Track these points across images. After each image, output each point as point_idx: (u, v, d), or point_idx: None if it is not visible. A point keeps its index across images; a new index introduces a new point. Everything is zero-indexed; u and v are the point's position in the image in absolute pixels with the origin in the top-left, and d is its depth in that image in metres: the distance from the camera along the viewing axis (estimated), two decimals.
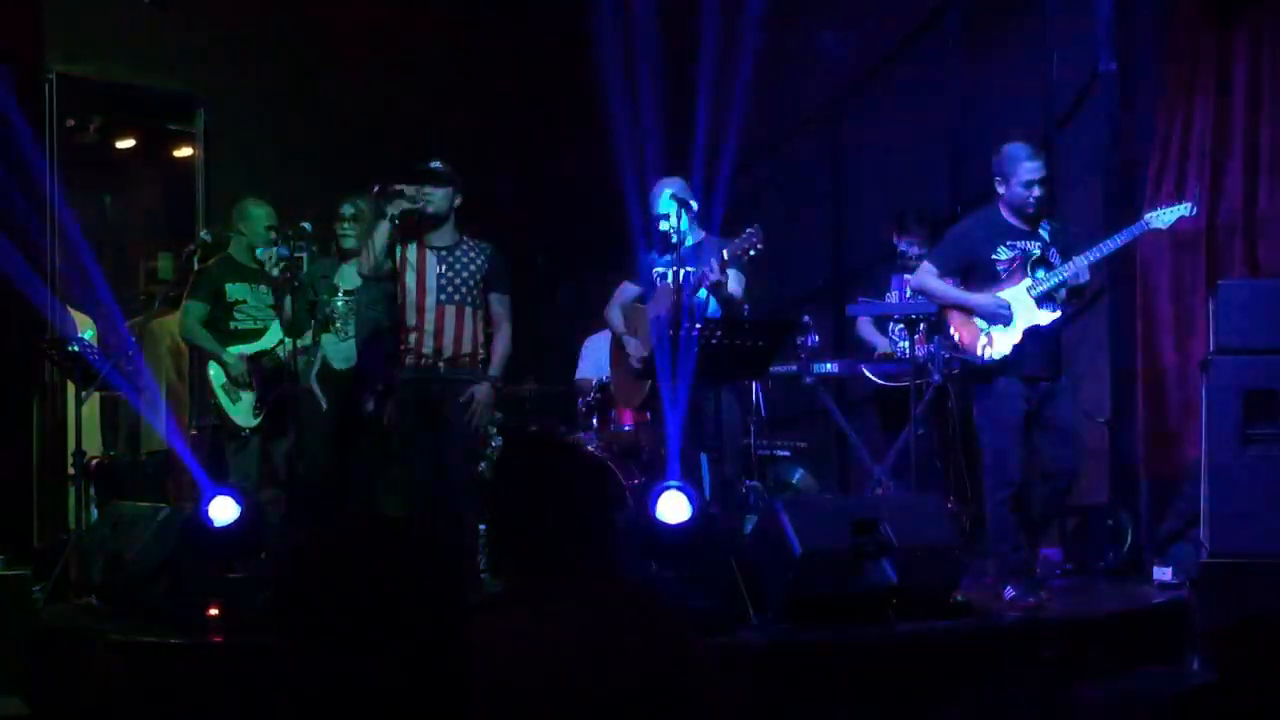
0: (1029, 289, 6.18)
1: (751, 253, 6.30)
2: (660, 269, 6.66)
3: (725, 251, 6.31)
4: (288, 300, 6.93)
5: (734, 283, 6.51)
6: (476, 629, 2.51)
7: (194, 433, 7.80)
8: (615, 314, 7.00)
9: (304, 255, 7.23)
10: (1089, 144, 7.71)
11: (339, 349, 7.15)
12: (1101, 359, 7.51)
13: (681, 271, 6.50)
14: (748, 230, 6.31)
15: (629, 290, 6.91)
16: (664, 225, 6.55)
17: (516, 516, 2.57)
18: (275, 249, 6.98)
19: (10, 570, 6.42)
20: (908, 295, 7.51)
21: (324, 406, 7.15)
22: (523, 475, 2.61)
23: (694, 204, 6.66)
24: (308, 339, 7.00)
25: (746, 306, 6.82)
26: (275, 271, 7.00)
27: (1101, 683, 5.03)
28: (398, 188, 6.26)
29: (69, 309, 8.11)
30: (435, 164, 6.38)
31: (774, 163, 9.76)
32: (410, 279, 6.35)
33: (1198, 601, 6.14)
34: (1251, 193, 7.21)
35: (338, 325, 7.09)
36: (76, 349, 7.18)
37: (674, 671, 2.45)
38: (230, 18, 9.28)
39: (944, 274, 6.38)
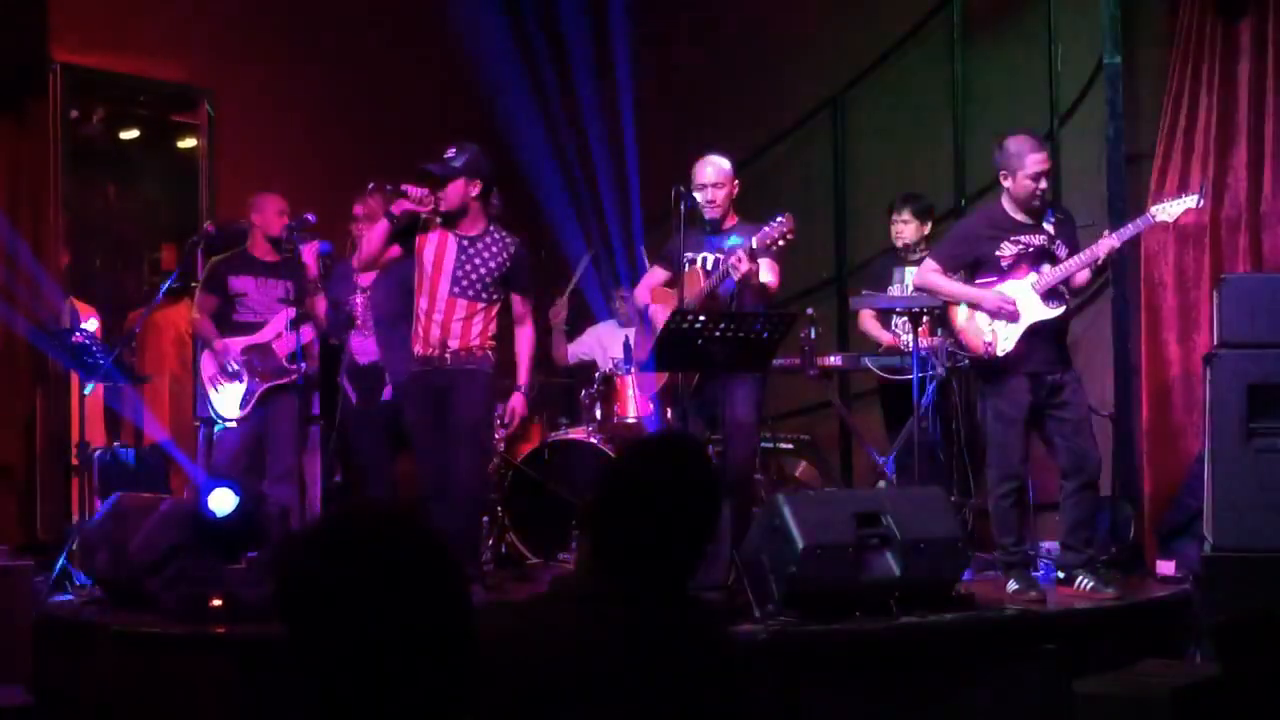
0: (1033, 284, 6.17)
1: (781, 242, 6.17)
2: (690, 253, 6.57)
3: (754, 240, 6.15)
4: (321, 300, 7.05)
5: (766, 272, 6.33)
6: (529, 613, 2.51)
7: (196, 424, 7.82)
8: (644, 293, 6.82)
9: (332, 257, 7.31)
10: (1093, 137, 7.70)
11: (362, 345, 7.21)
12: (1104, 352, 7.50)
13: (711, 258, 6.46)
14: (777, 218, 6.16)
15: (659, 274, 6.79)
16: (699, 198, 6.41)
17: (630, 509, 2.50)
18: (320, 243, 7.03)
19: (14, 561, 6.43)
20: (909, 291, 7.50)
21: (353, 401, 7.20)
22: (645, 469, 2.54)
23: (735, 188, 6.56)
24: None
25: None
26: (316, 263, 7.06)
27: (1103, 676, 5.02)
28: (402, 187, 6.20)
29: (73, 300, 8.12)
30: (450, 151, 6.28)
31: (777, 155, 9.76)
32: (428, 263, 6.30)
33: (1200, 595, 6.14)
34: (1256, 186, 7.20)
35: (359, 322, 7.15)
36: (80, 340, 7.20)
37: (718, 695, 2.41)
38: (235, 8, 9.29)
39: (948, 270, 6.38)
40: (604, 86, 9.61)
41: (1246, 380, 6.17)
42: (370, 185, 6.27)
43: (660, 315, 6.55)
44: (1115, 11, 7.45)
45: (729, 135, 8.86)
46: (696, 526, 2.52)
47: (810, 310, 7.59)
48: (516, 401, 6.52)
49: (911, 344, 7.07)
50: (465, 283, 6.26)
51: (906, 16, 9.23)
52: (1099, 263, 6.18)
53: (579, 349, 8.58)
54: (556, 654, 2.36)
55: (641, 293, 6.86)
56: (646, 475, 2.52)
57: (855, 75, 9.49)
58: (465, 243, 6.28)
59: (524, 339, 6.47)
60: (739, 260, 6.13)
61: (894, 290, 7.69)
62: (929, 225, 7.75)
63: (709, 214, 6.44)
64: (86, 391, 7.28)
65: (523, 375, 6.48)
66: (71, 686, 5.91)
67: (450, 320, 6.24)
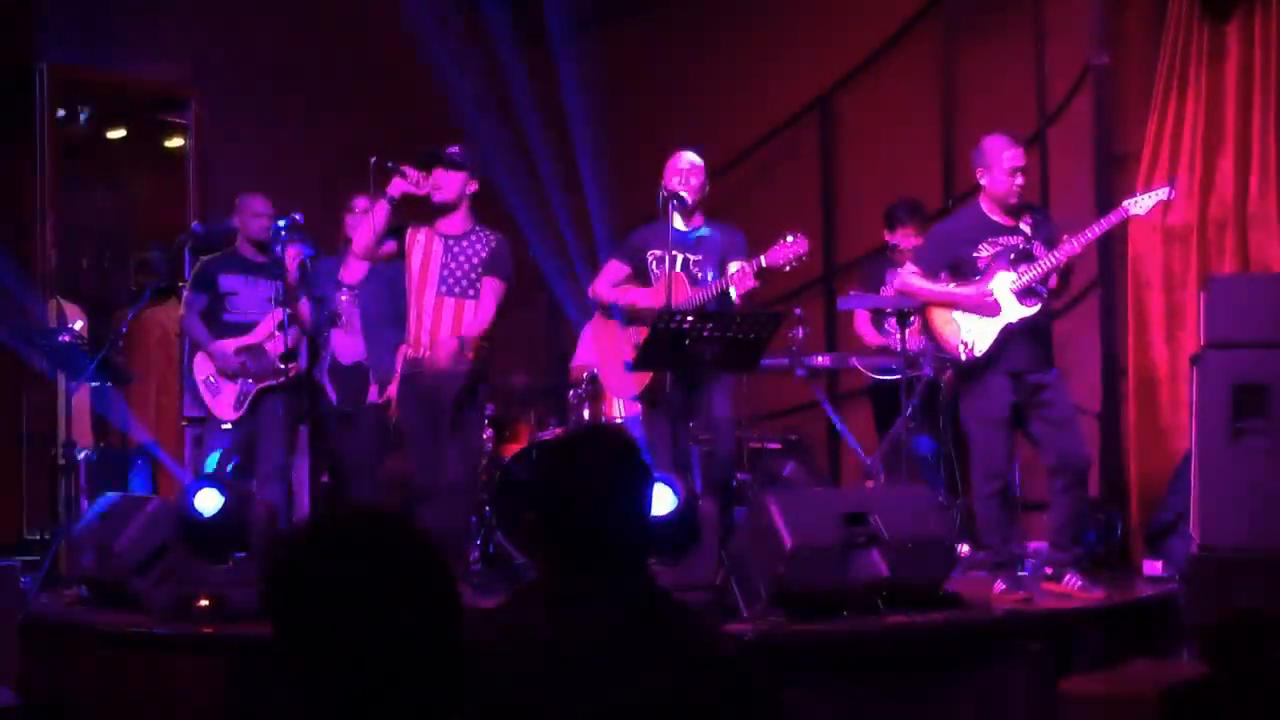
0: (1010, 284, 6.18)
1: (795, 263, 6.14)
2: (657, 252, 6.56)
3: (763, 258, 6.15)
4: (305, 301, 7.04)
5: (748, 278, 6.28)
6: (499, 619, 2.51)
7: (184, 423, 7.81)
8: (608, 289, 6.69)
9: (317, 252, 7.26)
10: (1080, 137, 7.72)
11: (345, 344, 7.19)
12: (1092, 352, 7.52)
13: (681, 257, 6.42)
14: (789, 237, 6.14)
15: (618, 269, 6.71)
16: (675, 181, 6.36)
17: (558, 506, 2.51)
18: (300, 247, 6.99)
19: (0, 561, 6.42)
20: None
21: (334, 401, 7.19)
22: (570, 465, 2.55)
23: (706, 186, 6.51)
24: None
25: None
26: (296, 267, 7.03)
27: (1091, 675, 5.03)
28: (399, 166, 6.21)
29: (60, 300, 8.10)
30: (452, 149, 6.31)
31: (764, 156, 9.77)
32: (416, 266, 6.31)
33: (1187, 595, 6.15)
34: (1242, 187, 7.21)
35: (343, 320, 7.13)
36: (66, 340, 7.19)
37: (704, 689, 2.41)
38: (223, 7, 9.27)
39: (928, 274, 6.38)
40: (589, 89, 9.60)
41: (1233, 380, 6.19)
42: (373, 160, 6.26)
43: (637, 295, 6.49)
44: (1103, 12, 7.47)
45: (716, 136, 8.86)
46: (633, 506, 2.53)
47: (798, 310, 7.60)
48: (446, 343, 6.21)
49: (901, 344, 7.06)
50: (451, 280, 6.28)
51: (894, 16, 9.24)
52: (1069, 263, 6.19)
53: (581, 360, 8.46)
54: (529, 657, 2.36)
55: (601, 288, 6.73)
56: (577, 468, 2.53)
57: (843, 75, 9.50)
58: (450, 242, 6.32)
59: (480, 313, 6.29)
60: (744, 275, 6.13)
61: (888, 291, 7.70)
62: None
63: (686, 199, 6.40)
64: (73, 391, 7.28)
65: (467, 330, 6.25)
66: (58, 687, 5.90)
67: (439, 320, 6.26)
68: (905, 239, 7.64)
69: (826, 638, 5.39)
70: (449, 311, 6.27)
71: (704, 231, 6.50)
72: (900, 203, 7.81)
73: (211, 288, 7.26)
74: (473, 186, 6.35)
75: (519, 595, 2.58)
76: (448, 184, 6.25)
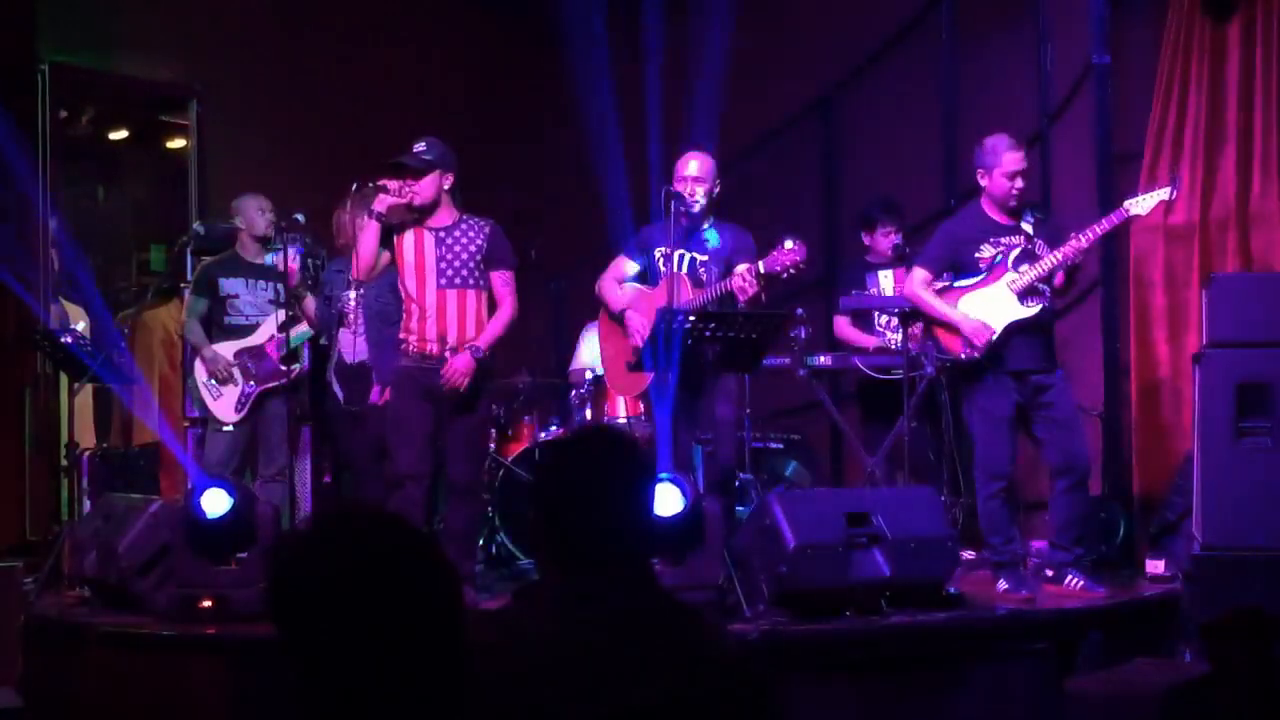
0: (1010, 284, 6.18)
1: (792, 270, 6.14)
2: (663, 249, 6.46)
3: (762, 265, 6.14)
4: (310, 299, 7.03)
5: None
6: (502, 620, 2.51)
7: (186, 424, 7.81)
8: (613, 290, 6.67)
9: (320, 256, 7.26)
10: (1082, 137, 7.72)
11: (352, 344, 7.18)
12: (1094, 352, 7.52)
13: (688, 257, 6.41)
14: (787, 244, 6.11)
15: (627, 265, 6.68)
16: (680, 190, 6.32)
17: (560, 507, 2.51)
18: (297, 251, 6.99)
19: (3, 562, 6.42)
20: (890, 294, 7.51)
21: (341, 400, 7.18)
22: (572, 464, 2.54)
23: (717, 187, 6.47)
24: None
25: None
26: (299, 267, 7.03)
27: (1094, 675, 5.03)
28: (380, 183, 6.19)
29: (61, 301, 8.11)
30: (420, 146, 6.27)
31: (765, 156, 9.76)
32: (409, 263, 6.27)
33: (1190, 594, 6.15)
34: (1244, 186, 7.21)
35: (349, 319, 7.12)
36: (68, 341, 7.19)
37: (706, 689, 2.40)
38: (224, 7, 9.28)
39: (936, 275, 6.38)
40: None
41: (1235, 379, 6.18)
42: (354, 185, 6.27)
43: (634, 320, 6.49)
44: (1104, 12, 7.47)
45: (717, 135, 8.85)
46: (635, 505, 2.53)
47: (800, 311, 7.59)
48: (459, 359, 6.15)
49: (899, 344, 7.06)
50: (450, 271, 6.21)
51: (896, 16, 9.23)
52: (1072, 262, 6.18)
53: (581, 360, 8.43)
54: (532, 657, 2.36)
55: (607, 284, 6.69)
56: (579, 468, 2.53)
57: (845, 75, 9.50)
58: (441, 234, 6.24)
59: (499, 313, 6.28)
60: (748, 284, 6.12)
61: (870, 293, 7.71)
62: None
63: (691, 209, 6.39)
64: (76, 392, 7.28)
65: (482, 337, 6.21)
66: (61, 688, 5.90)
67: (444, 314, 6.19)
68: (884, 239, 7.64)
69: (829, 638, 5.39)
70: (453, 303, 6.21)
71: (712, 232, 6.49)
72: (875, 202, 7.81)
73: (212, 291, 7.27)
74: (448, 180, 6.27)
75: (522, 596, 2.58)
76: (422, 187, 6.21)
